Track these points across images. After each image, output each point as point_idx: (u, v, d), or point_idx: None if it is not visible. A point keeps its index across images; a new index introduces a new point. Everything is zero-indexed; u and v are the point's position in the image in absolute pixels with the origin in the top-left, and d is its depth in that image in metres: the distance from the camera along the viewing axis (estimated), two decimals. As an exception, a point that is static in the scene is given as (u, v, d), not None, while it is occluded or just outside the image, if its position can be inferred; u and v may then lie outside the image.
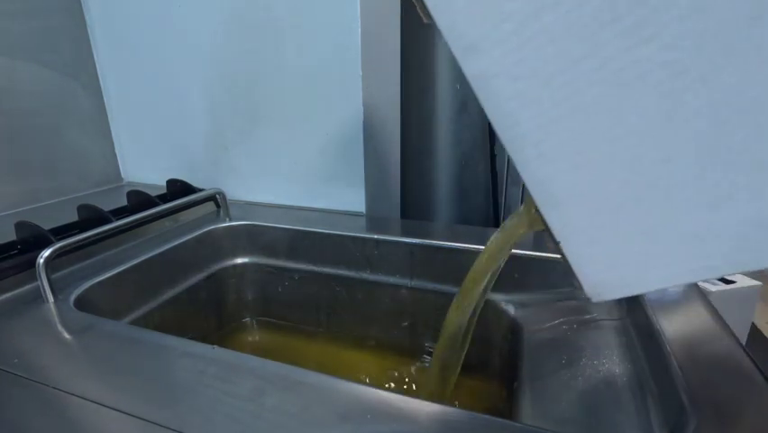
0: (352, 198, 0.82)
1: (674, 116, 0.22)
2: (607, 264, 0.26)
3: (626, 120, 0.22)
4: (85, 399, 0.36)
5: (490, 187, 0.81)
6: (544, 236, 0.28)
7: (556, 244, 0.26)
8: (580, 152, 0.23)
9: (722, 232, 0.23)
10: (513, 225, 0.39)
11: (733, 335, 0.42)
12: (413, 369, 0.67)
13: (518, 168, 0.25)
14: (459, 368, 0.50)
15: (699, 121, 0.22)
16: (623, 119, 0.22)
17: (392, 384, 0.64)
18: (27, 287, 0.55)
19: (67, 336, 0.45)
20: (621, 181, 0.24)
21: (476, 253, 0.62)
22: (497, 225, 0.83)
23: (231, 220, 0.77)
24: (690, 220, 0.23)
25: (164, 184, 0.85)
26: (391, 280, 0.69)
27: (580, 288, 0.26)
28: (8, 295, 0.54)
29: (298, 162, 0.85)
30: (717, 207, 0.23)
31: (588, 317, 0.52)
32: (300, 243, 0.74)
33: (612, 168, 0.24)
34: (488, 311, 0.63)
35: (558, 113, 0.23)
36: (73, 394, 0.36)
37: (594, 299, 0.27)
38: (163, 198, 0.77)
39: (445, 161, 0.81)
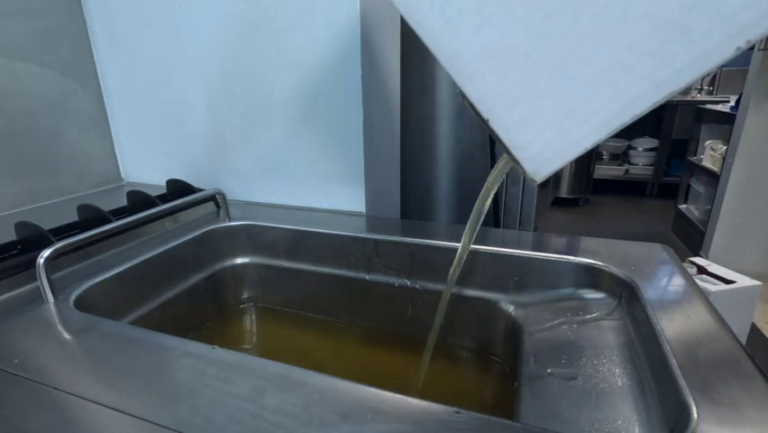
0: (352, 198, 0.82)
1: None
2: (534, 127, 0.25)
3: None
4: (84, 399, 0.36)
5: (490, 187, 0.81)
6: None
7: (485, 122, 0.26)
8: (479, 11, 0.23)
9: (634, 56, 0.22)
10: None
11: (733, 335, 0.42)
12: (412, 366, 0.67)
13: (431, 47, 0.25)
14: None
15: None
16: None
17: (393, 383, 0.64)
18: (27, 287, 0.55)
19: (67, 336, 0.45)
20: (521, 30, 0.23)
21: (476, 253, 0.62)
22: (497, 225, 0.83)
23: (231, 220, 0.77)
24: (602, 54, 0.22)
25: (164, 184, 0.85)
26: (391, 280, 0.69)
27: (522, 168, 0.26)
28: (8, 295, 0.54)
29: (298, 162, 0.85)
30: (619, 30, 0.22)
31: (588, 316, 0.52)
32: (300, 243, 0.74)
33: (510, 17, 0.23)
34: (488, 311, 0.63)
35: None
36: (73, 394, 0.36)
37: (537, 177, 0.26)
38: (163, 198, 0.77)
39: (445, 161, 0.81)
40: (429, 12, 0.24)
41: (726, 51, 0.21)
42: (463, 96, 0.26)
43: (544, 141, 0.25)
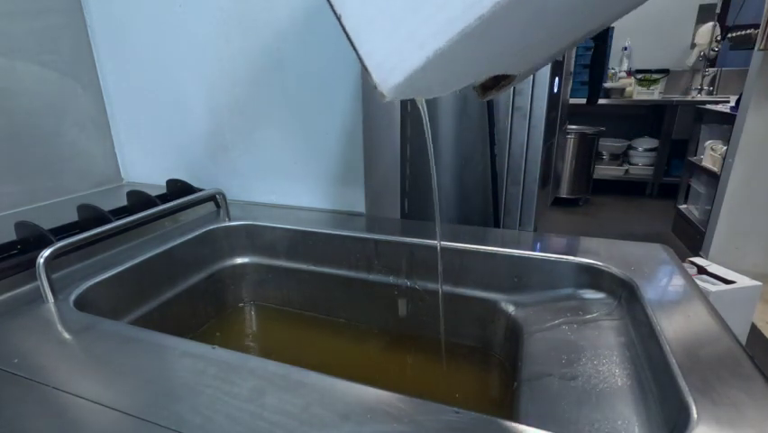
0: (352, 198, 0.82)
1: None
2: (382, 28, 0.24)
3: None
4: (84, 399, 0.36)
5: (490, 187, 0.81)
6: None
7: (338, 19, 0.25)
8: None
9: None
10: None
11: (733, 335, 0.42)
12: (413, 364, 0.67)
13: None
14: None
15: None
16: None
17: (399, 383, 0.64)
18: (27, 287, 0.55)
19: (67, 336, 0.45)
20: None
21: (476, 252, 0.62)
22: (497, 225, 0.83)
23: (231, 220, 0.77)
24: None
25: (164, 184, 0.85)
26: (391, 280, 0.69)
27: (371, 78, 0.25)
28: (8, 295, 0.54)
29: (298, 162, 0.85)
30: None
31: (588, 317, 0.52)
32: (300, 243, 0.74)
33: None
34: (488, 311, 0.63)
35: None
36: (73, 394, 0.36)
37: (385, 89, 0.25)
38: (163, 198, 0.77)
39: (445, 161, 0.81)
40: None
41: None
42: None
43: (390, 44, 0.24)
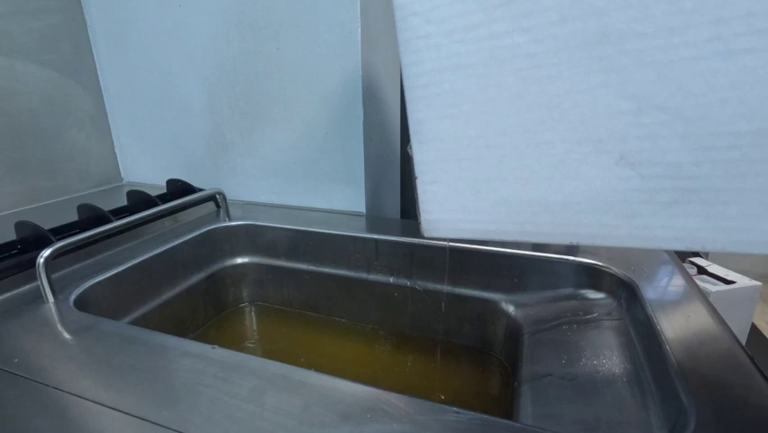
0: (352, 198, 0.82)
1: (523, 97, 0.27)
2: (442, 205, 0.32)
3: (491, 87, 0.28)
4: (85, 399, 0.36)
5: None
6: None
7: (414, 179, 0.32)
8: (452, 104, 0.29)
9: (528, 204, 0.29)
10: None
11: (733, 335, 0.42)
12: (413, 364, 0.67)
13: (408, 106, 0.31)
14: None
15: (538, 110, 0.27)
16: (489, 86, 0.28)
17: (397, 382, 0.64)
18: (27, 287, 0.55)
19: (67, 336, 0.45)
20: (470, 140, 0.29)
21: (475, 252, 0.62)
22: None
23: (231, 220, 0.77)
24: (507, 188, 0.30)
25: (164, 184, 0.85)
26: (391, 280, 0.69)
27: (419, 220, 0.33)
28: (8, 295, 0.54)
29: (298, 162, 0.85)
30: (528, 181, 0.29)
31: (588, 317, 0.52)
32: (300, 243, 0.74)
33: (469, 126, 0.29)
34: (488, 311, 0.63)
35: (449, 63, 0.28)
36: (73, 394, 0.36)
37: (425, 234, 0.33)
38: (163, 198, 0.77)
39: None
40: (415, 80, 0.30)
41: (564, 238, 0.29)
42: (410, 147, 0.32)
43: (444, 217, 0.32)
